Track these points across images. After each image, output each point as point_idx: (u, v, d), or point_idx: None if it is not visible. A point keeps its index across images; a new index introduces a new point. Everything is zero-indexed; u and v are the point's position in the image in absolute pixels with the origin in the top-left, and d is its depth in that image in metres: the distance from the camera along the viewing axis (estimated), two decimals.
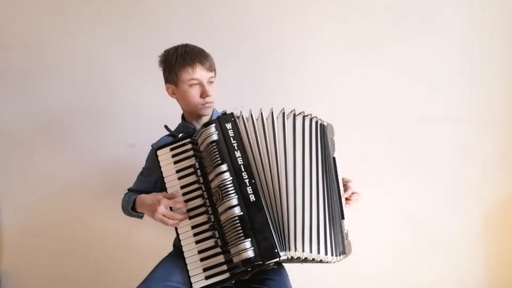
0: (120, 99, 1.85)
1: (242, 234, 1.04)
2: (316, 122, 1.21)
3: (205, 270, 1.10)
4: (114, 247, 1.88)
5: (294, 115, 1.18)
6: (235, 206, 1.06)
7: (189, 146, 1.20)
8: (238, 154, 1.11)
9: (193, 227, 1.15)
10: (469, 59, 1.75)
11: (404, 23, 1.75)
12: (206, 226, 1.14)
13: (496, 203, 1.77)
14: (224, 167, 1.09)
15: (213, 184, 1.11)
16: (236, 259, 1.05)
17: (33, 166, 1.89)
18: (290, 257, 1.07)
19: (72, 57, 1.86)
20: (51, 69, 1.87)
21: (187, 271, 1.12)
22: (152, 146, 1.41)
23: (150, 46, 1.77)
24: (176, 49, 1.33)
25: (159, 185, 1.38)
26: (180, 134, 1.24)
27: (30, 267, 1.93)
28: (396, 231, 1.79)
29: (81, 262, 1.90)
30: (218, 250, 1.11)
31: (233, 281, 1.11)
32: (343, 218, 1.23)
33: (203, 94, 1.30)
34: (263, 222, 1.06)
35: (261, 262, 1.03)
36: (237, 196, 1.07)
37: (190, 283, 1.10)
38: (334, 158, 1.26)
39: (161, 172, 1.21)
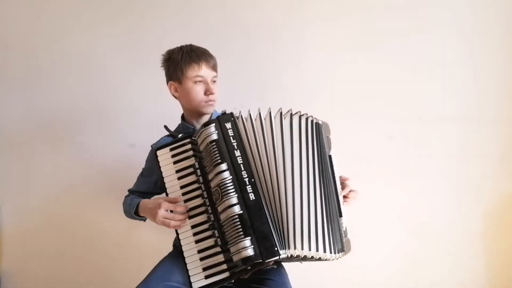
0: (120, 99, 1.85)
1: (242, 233, 1.04)
2: (312, 121, 1.22)
3: (204, 269, 1.10)
4: (114, 247, 1.88)
5: (291, 115, 1.19)
6: (235, 204, 1.06)
7: (189, 146, 1.20)
8: (237, 153, 1.11)
9: (193, 227, 1.15)
10: (469, 59, 1.75)
11: (404, 22, 1.76)
12: (205, 226, 1.14)
13: (496, 203, 1.77)
14: (224, 166, 1.09)
15: (212, 184, 1.12)
16: (236, 258, 1.05)
17: (33, 166, 1.90)
18: (289, 255, 1.07)
19: (72, 57, 1.86)
20: (51, 69, 1.87)
21: (187, 270, 1.12)
22: (152, 146, 1.41)
23: (150, 47, 1.79)
24: (181, 48, 1.35)
25: (159, 186, 1.39)
26: (180, 135, 1.25)
27: (30, 267, 1.93)
28: (396, 231, 1.79)
29: (81, 262, 1.90)
30: (218, 249, 1.11)
31: (233, 281, 1.11)
32: (340, 215, 1.23)
33: (207, 92, 1.32)
34: (263, 221, 1.06)
35: (261, 261, 1.03)
36: (237, 195, 1.07)
37: (190, 283, 1.10)
38: (330, 156, 1.27)
39: (161, 172, 1.22)
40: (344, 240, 1.22)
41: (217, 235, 1.11)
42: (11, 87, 1.89)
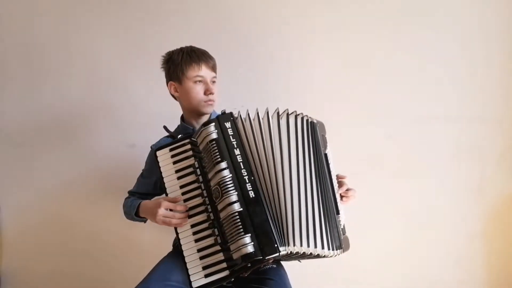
0: (120, 99, 1.85)
1: (242, 230, 1.05)
2: (307, 120, 1.24)
3: (204, 268, 1.10)
4: (114, 247, 1.88)
5: (287, 115, 1.21)
6: (235, 202, 1.07)
7: (188, 146, 1.22)
8: (237, 152, 1.12)
9: (192, 226, 1.16)
10: (469, 59, 1.75)
11: (404, 22, 1.76)
12: (205, 225, 1.14)
13: (496, 203, 1.77)
14: (223, 164, 1.10)
15: (212, 182, 1.12)
16: (236, 255, 1.05)
17: (33, 166, 1.90)
18: (289, 252, 1.08)
19: (73, 57, 1.86)
20: (51, 70, 1.87)
21: (187, 270, 1.12)
22: (151, 147, 1.42)
23: (150, 47, 1.79)
24: (181, 49, 1.38)
25: (159, 186, 1.40)
26: (180, 135, 1.26)
27: (30, 267, 1.93)
28: (396, 231, 1.79)
29: (80, 262, 1.90)
30: (218, 248, 1.11)
31: (233, 279, 1.11)
32: (338, 213, 1.25)
33: (207, 91, 1.34)
34: (262, 218, 1.07)
35: (261, 257, 1.03)
36: (236, 193, 1.08)
37: (190, 282, 1.10)
38: (326, 155, 1.29)
39: (161, 173, 1.23)
40: (342, 238, 1.23)
41: (216, 233, 1.12)
42: (11, 87, 1.89)
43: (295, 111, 1.23)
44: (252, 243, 1.04)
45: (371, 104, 1.77)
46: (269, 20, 1.79)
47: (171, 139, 1.36)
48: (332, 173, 1.29)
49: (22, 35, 1.88)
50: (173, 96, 1.43)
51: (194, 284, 1.10)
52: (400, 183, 1.78)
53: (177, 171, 1.21)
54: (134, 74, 1.83)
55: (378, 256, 1.80)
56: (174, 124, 1.45)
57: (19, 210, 1.91)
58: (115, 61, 1.84)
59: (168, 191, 1.21)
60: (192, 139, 1.20)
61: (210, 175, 1.14)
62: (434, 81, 1.76)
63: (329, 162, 1.30)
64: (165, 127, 1.38)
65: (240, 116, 1.18)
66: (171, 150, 1.23)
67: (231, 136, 1.14)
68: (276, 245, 1.05)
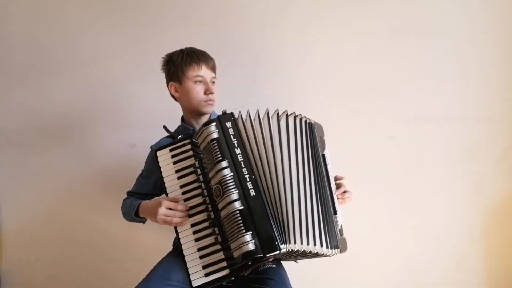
0: (120, 99, 1.85)
1: (243, 228, 1.05)
2: (305, 121, 1.26)
3: (204, 267, 1.10)
4: (114, 247, 1.88)
5: (287, 115, 1.23)
6: (236, 200, 1.07)
7: (189, 146, 1.22)
8: (238, 151, 1.13)
9: (193, 225, 1.16)
10: (469, 59, 1.76)
11: (403, 22, 1.76)
12: (206, 224, 1.15)
13: (496, 203, 1.77)
14: (224, 163, 1.11)
15: (213, 181, 1.13)
16: (236, 254, 1.05)
17: (33, 166, 1.90)
18: (290, 250, 1.08)
19: (73, 57, 1.86)
20: (51, 69, 1.87)
21: (187, 269, 1.12)
22: (151, 147, 1.43)
23: (150, 47, 1.80)
24: (181, 50, 1.40)
25: (158, 186, 1.40)
26: (180, 136, 1.27)
27: (30, 267, 1.93)
28: (396, 231, 1.79)
29: (81, 262, 1.90)
30: (218, 247, 1.11)
31: (233, 279, 1.12)
32: (335, 213, 1.26)
33: (207, 91, 1.35)
34: (263, 216, 1.07)
35: (262, 255, 1.03)
36: (237, 191, 1.09)
37: (190, 281, 1.10)
38: (324, 155, 1.30)
39: (161, 173, 1.23)
40: (339, 238, 1.24)
41: (217, 232, 1.12)
42: (11, 87, 1.89)
43: (294, 112, 1.25)
44: (253, 240, 1.04)
45: (372, 104, 1.78)
46: (269, 20, 1.79)
47: (171, 139, 1.36)
48: (330, 173, 1.30)
49: (23, 35, 1.88)
50: (173, 97, 1.44)
51: (194, 283, 1.09)
52: (400, 183, 1.78)
53: (177, 171, 1.21)
54: (134, 74, 1.83)
55: (378, 256, 1.80)
56: (174, 124, 1.45)
57: (19, 210, 1.91)
58: (115, 61, 1.85)
59: (168, 191, 1.21)
60: (193, 139, 1.21)
61: (210, 175, 1.14)
62: (435, 81, 1.76)
63: (327, 163, 1.31)
64: (165, 127, 1.38)
65: (241, 116, 1.19)
66: (171, 150, 1.23)
67: (232, 136, 1.14)
68: (277, 243, 1.05)
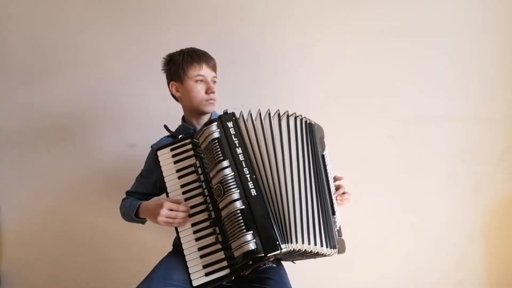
0: (120, 99, 1.85)
1: (244, 227, 1.05)
2: (306, 122, 1.27)
3: (205, 267, 1.11)
4: (114, 247, 1.88)
5: (287, 116, 1.24)
6: (237, 200, 1.08)
7: (189, 146, 1.22)
8: (239, 150, 1.13)
9: (193, 225, 1.16)
10: (469, 59, 1.76)
11: (403, 22, 1.76)
12: (206, 223, 1.15)
13: (496, 203, 1.77)
14: (225, 163, 1.11)
15: (214, 181, 1.13)
16: (237, 253, 1.05)
17: (33, 166, 1.90)
18: (291, 250, 1.08)
19: (73, 57, 1.86)
20: (51, 69, 1.87)
21: (187, 268, 1.12)
22: (152, 147, 1.43)
23: (150, 47, 1.80)
24: (181, 50, 1.40)
25: (158, 186, 1.40)
26: (180, 135, 1.27)
27: (30, 267, 1.92)
28: (396, 231, 1.79)
29: (81, 262, 1.90)
30: (219, 246, 1.11)
31: (233, 278, 1.12)
32: (333, 214, 1.26)
33: (208, 90, 1.36)
34: (264, 216, 1.07)
35: (263, 255, 1.03)
36: (238, 191, 1.09)
37: (190, 281, 1.10)
38: (323, 156, 1.31)
39: (161, 172, 1.23)
40: (337, 238, 1.24)
41: (217, 232, 1.12)
42: (11, 87, 1.89)
43: (295, 113, 1.25)
44: (254, 240, 1.04)
45: (372, 104, 1.78)
46: (269, 20, 1.79)
47: (171, 139, 1.36)
48: (329, 174, 1.31)
49: (23, 35, 1.88)
50: (174, 97, 1.44)
51: (195, 283, 1.10)
52: (400, 183, 1.78)
53: (178, 171, 1.21)
54: (134, 74, 1.83)
55: (378, 256, 1.80)
56: (174, 124, 1.45)
57: (19, 210, 1.91)
58: (115, 61, 1.85)
59: (168, 190, 1.21)
60: (194, 139, 1.21)
61: (211, 174, 1.14)
62: (435, 81, 1.76)
63: (327, 163, 1.31)
64: (165, 127, 1.39)
65: (242, 116, 1.19)
66: (172, 149, 1.24)
67: (233, 136, 1.14)
68: (277, 242, 1.05)
